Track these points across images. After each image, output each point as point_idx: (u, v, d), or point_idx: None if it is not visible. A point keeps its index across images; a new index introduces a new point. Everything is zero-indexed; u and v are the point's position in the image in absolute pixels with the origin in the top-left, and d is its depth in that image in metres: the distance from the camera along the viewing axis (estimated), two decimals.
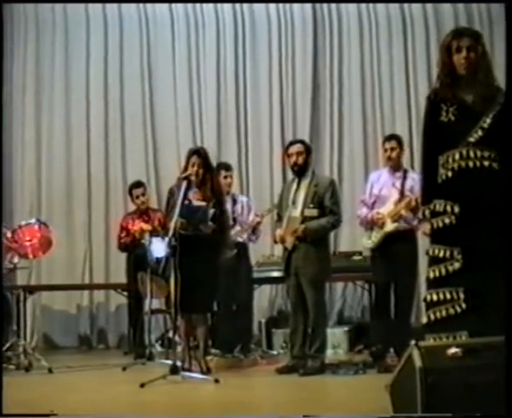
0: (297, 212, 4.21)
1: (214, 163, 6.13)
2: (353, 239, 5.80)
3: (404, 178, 4.32)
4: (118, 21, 6.42)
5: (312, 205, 4.18)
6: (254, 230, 4.91)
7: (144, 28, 6.41)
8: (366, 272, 5.07)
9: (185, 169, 4.21)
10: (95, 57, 6.36)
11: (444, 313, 2.54)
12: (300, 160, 4.23)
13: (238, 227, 4.94)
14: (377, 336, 4.32)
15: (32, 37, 6.38)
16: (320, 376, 4.00)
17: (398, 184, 4.31)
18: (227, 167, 5.08)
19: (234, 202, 5.02)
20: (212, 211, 4.12)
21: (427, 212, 2.69)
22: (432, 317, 2.57)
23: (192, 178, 4.18)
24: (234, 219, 4.95)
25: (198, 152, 4.25)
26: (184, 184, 4.09)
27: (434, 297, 2.57)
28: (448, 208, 2.60)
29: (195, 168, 4.18)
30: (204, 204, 4.15)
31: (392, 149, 4.33)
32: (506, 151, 2.52)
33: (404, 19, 6.28)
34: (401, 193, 4.27)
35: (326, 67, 6.29)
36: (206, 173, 4.23)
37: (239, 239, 4.93)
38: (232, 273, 4.80)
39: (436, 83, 2.69)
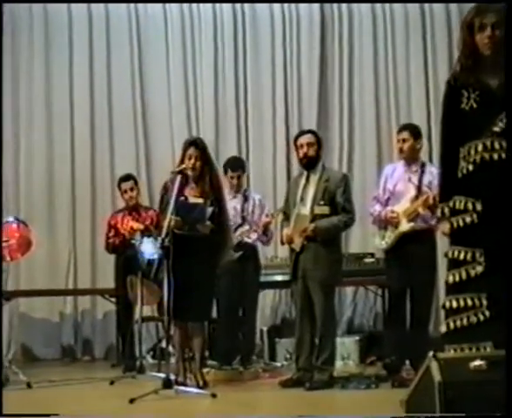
0: (306, 210, 4.21)
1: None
2: (364, 240, 5.82)
3: (421, 172, 4.31)
4: (105, 9, 6.39)
5: (322, 202, 4.19)
6: (265, 231, 4.91)
7: (133, 15, 6.37)
8: (378, 275, 5.09)
9: (182, 162, 4.21)
10: (79, 44, 6.33)
11: (465, 321, 2.53)
12: (311, 152, 4.24)
13: (246, 227, 4.96)
14: (391, 346, 4.33)
15: (8, 33, 6.32)
16: (328, 390, 4.01)
17: (414, 178, 4.31)
18: (234, 167, 5.04)
19: (245, 199, 5.04)
20: (210, 209, 4.11)
21: (446, 210, 2.67)
22: (452, 326, 2.56)
23: (189, 172, 4.18)
24: (243, 218, 4.97)
25: (196, 143, 4.24)
26: (178, 178, 4.09)
27: (454, 303, 2.56)
28: (470, 205, 2.59)
29: (192, 161, 4.17)
30: (201, 201, 4.14)
31: (404, 140, 4.32)
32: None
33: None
34: (418, 189, 4.26)
35: (334, 53, 6.28)
36: (205, 167, 4.22)
37: (248, 240, 4.94)
38: (237, 276, 4.82)
39: (456, 66, 2.67)
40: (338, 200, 4.19)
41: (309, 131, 4.45)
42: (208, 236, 4.11)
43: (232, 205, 5.01)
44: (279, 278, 5.37)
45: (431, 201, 4.09)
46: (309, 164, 4.28)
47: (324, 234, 4.14)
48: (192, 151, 4.19)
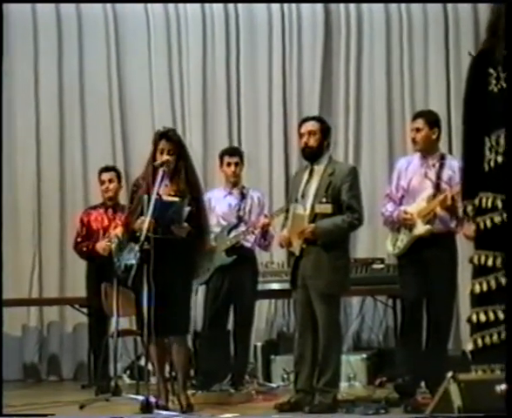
0: (302, 209, 4.19)
1: (201, 149, 6.16)
2: (373, 243, 5.82)
3: (440, 165, 4.29)
4: None
5: (325, 200, 4.16)
6: (264, 234, 4.91)
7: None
8: (389, 284, 5.10)
9: (153, 157, 4.21)
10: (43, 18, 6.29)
11: (496, 337, 2.50)
12: (312, 142, 4.22)
13: (242, 228, 4.96)
14: (404, 366, 4.30)
15: None
16: (331, 415, 3.99)
17: (432, 174, 4.29)
18: (231, 152, 5.09)
19: (242, 197, 5.06)
20: (187, 208, 4.11)
21: (469, 209, 2.65)
22: (480, 343, 2.52)
23: (167, 166, 4.17)
24: (239, 218, 4.99)
25: (167, 136, 4.24)
26: (160, 173, 4.10)
27: (482, 317, 2.53)
28: (498, 203, 2.57)
29: (164, 156, 4.17)
30: (177, 200, 4.15)
31: (417, 130, 4.30)
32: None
33: None
34: (436, 186, 4.25)
35: (340, 27, 6.24)
36: (179, 161, 4.22)
37: (245, 243, 4.95)
38: (228, 283, 4.85)
39: (485, 39, 2.63)
40: (343, 198, 4.16)
41: (313, 118, 4.43)
42: (185, 240, 4.11)
43: (227, 202, 5.01)
44: (275, 286, 5.38)
45: (449, 201, 4.07)
46: (310, 155, 4.26)
47: (324, 236, 4.11)
48: (163, 144, 4.20)
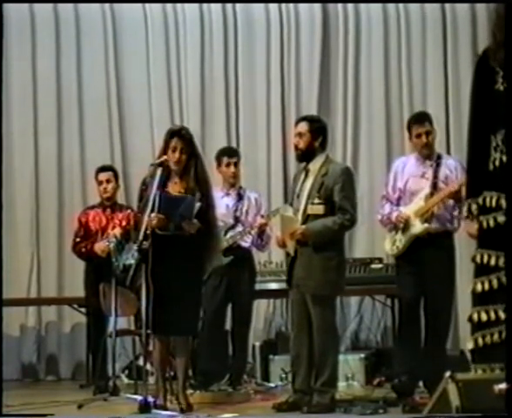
0: (290, 211, 4.17)
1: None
2: (371, 243, 5.79)
3: (437, 165, 4.29)
4: None
5: (317, 201, 4.10)
6: (261, 234, 4.89)
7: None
8: (387, 284, 5.07)
9: (164, 154, 4.18)
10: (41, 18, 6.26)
11: (496, 336, 2.50)
12: (301, 144, 4.17)
13: (239, 228, 4.95)
14: (402, 365, 4.29)
15: None
16: (329, 415, 3.98)
17: (429, 173, 4.27)
18: (231, 152, 5.07)
19: (240, 197, 5.04)
20: (197, 204, 4.08)
21: (474, 208, 2.64)
22: (481, 342, 2.52)
23: (172, 165, 4.15)
24: (236, 218, 4.97)
25: (180, 134, 4.20)
26: (159, 171, 4.06)
27: (484, 316, 2.53)
28: (503, 202, 2.55)
29: (177, 154, 4.14)
30: (187, 195, 4.11)
31: (427, 133, 4.26)
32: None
33: None
34: (434, 186, 4.24)
35: (338, 28, 6.22)
36: (190, 160, 4.18)
37: (242, 243, 4.93)
38: (226, 284, 4.84)
39: (490, 39, 2.63)
40: (335, 198, 4.10)
41: (303, 119, 4.33)
42: (194, 236, 4.07)
43: (225, 202, 4.99)
44: (273, 286, 5.38)
45: (453, 189, 4.01)
46: (299, 157, 4.23)
47: (315, 238, 4.06)
48: (175, 142, 4.15)
